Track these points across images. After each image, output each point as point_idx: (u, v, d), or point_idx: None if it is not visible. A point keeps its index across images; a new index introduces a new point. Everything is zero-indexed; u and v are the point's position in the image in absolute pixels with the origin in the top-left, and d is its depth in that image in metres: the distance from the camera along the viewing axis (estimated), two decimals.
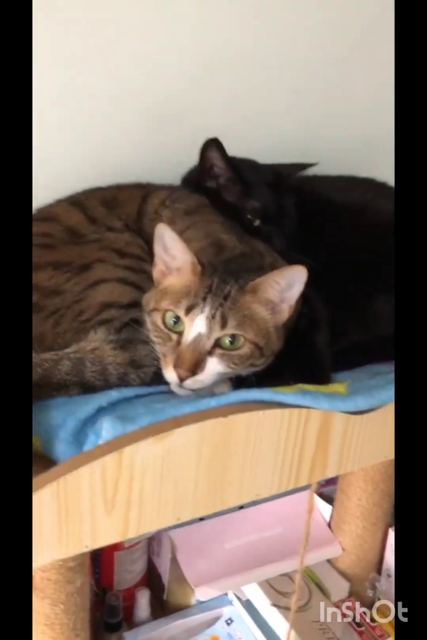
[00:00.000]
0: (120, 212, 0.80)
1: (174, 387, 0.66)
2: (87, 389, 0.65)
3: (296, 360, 0.70)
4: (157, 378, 0.67)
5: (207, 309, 0.66)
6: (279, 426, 0.60)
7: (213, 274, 0.70)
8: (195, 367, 0.64)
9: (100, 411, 0.61)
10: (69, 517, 0.53)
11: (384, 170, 0.95)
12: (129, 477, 0.54)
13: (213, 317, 0.65)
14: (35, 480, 0.51)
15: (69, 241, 0.75)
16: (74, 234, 0.76)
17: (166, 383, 0.66)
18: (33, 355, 0.66)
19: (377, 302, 0.84)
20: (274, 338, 0.69)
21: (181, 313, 0.66)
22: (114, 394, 0.63)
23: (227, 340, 0.66)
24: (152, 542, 1.04)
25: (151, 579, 1.05)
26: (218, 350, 0.66)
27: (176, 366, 0.64)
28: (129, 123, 0.97)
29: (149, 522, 0.57)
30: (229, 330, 0.66)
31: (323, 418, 0.63)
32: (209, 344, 0.65)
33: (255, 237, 0.84)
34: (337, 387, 0.66)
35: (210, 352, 0.65)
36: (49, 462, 0.57)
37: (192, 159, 0.94)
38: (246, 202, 0.88)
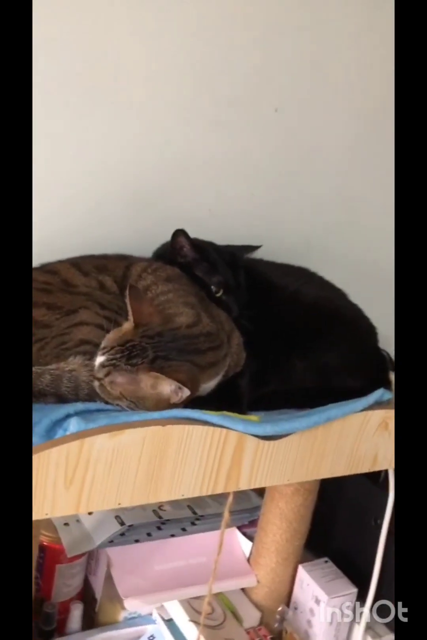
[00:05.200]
0: (109, 274, 0.96)
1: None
2: (61, 399, 0.80)
3: (221, 394, 0.87)
4: None
5: (104, 357, 0.80)
6: (203, 440, 0.76)
7: (145, 338, 0.81)
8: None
9: (68, 416, 0.76)
10: (37, 486, 0.67)
11: (316, 263, 1.20)
12: (86, 461, 0.69)
13: (104, 365, 0.79)
14: None
15: (64, 289, 0.91)
16: (68, 284, 0.92)
17: None
18: None
19: (293, 362, 1.05)
20: (149, 404, 0.80)
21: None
22: (79, 406, 0.79)
23: None
24: (91, 560, 1.14)
25: (85, 597, 1.14)
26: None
27: None
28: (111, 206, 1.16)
29: (96, 501, 0.72)
30: (104, 381, 0.79)
31: (238, 439, 0.79)
32: (99, 374, 0.80)
33: (216, 304, 1.02)
34: (251, 417, 0.83)
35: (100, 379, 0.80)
36: None
37: (161, 238, 1.12)
38: (212, 277, 1.07)
